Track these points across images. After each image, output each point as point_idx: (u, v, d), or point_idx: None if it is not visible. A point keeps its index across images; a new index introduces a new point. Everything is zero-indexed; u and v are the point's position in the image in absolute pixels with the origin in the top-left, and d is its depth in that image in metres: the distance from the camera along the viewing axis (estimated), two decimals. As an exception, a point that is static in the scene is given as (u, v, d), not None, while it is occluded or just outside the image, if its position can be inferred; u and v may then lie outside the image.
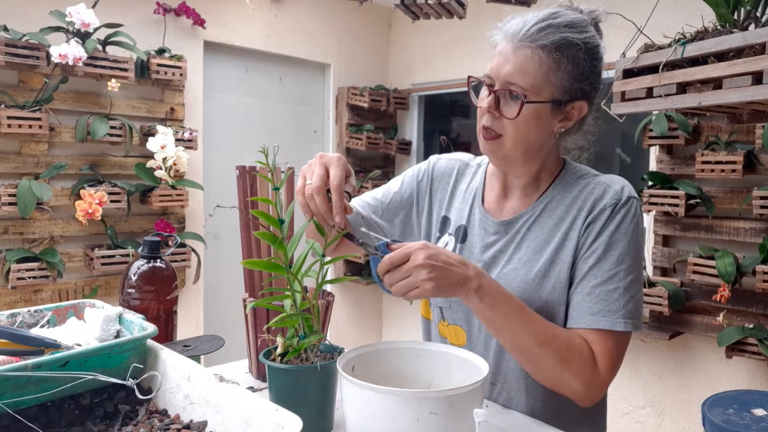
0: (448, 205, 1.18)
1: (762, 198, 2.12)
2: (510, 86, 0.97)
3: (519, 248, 1.06)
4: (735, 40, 1.55)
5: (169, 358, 0.79)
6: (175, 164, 2.66)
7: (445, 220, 1.18)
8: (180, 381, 0.76)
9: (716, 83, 1.62)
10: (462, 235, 1.14)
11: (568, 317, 1.01)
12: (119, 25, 2.56)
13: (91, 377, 0.70)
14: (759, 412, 1.81)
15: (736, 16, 1.64)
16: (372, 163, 3.77)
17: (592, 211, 1.01)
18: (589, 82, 1.01)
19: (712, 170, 2.25)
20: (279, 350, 0.91)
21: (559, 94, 0.99)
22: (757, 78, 1.51)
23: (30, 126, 2.35)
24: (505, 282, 1.04)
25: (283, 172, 1.06)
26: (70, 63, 2.33)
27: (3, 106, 2.32)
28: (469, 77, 1.05)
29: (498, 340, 1.05)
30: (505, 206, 1.11)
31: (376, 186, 3.52)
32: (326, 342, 0.96)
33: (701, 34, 1.66)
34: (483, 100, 1.01)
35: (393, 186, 1.24)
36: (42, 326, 0.88)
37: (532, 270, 1.03)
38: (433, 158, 1.25)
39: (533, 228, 1.06)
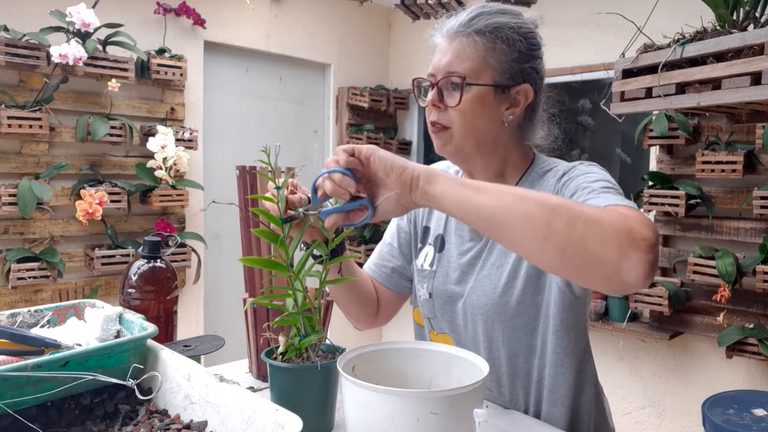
0: (428, 215, 1.20)
1: (762, 198, 2.12)
2: (450, 76, 0.99)
3: (491, 252, 1.06)
4: (734, 40, 1.55)
5: (169, 358, 0.79)
6: (175, 164, 2.66)
7: (426, 230, 1.20)
8: (180, 381, 0.76)
9: (715, 83, 1.62)
10: (440, 244, 1.15)
11: None
12: (119, 25, 2.56)
13: (91, 377, 0.70)
14: (759, 412, 1.81)
15: (735, 17, 1.64)
16: (372, 163, 3.77)
17: (550, 190, 1.00)
18: (530, 65, 1.02)
19: (713, 170, 2.25)
20: (281, 349, 0.91)
21: (499, 78, 0.99)
22: (755, 78, 1.51)
23: (30, 126, 2.35)
24: (480, 288, 1.05)
25: (283, 172, 1.06)
26: (71, 63, 2.33)
27: (3, 106, 2.32)
28: (414, 79, 1.07)
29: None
30: None
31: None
32: (327, 342, 0.96)
33: (700, 35, 1.66)
34: (428, 98, 1.03)
35: (393, 225, 1.26)
36: (42, 326, 0.88)
37: (503, 273, 1.03)
38: None
39: None
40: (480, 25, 0.99)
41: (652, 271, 0.71)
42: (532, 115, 1.06)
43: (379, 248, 1.27)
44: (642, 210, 2.46)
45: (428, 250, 1.17)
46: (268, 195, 0.92)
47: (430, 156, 3.88)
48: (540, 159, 1.10)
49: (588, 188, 0.90)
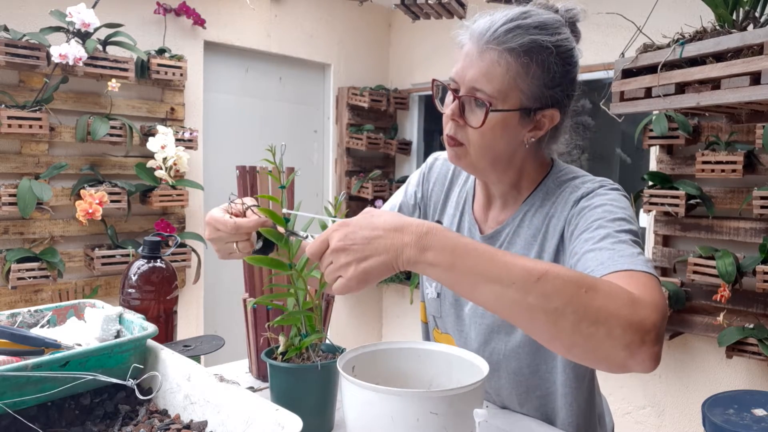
0: (442, 210, 1.16)
1: (762, 198, 2.12)
2: (475, 92, 0.91)
3: None
4: (733, 40, 1.55)
5: (169, 358, 0.79)
6: (175, 164, 2.66)
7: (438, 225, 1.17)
8: (180, 381, 0.76)
9: (715, 83, 1.62)
10: None
11: None
12: (119, 25, 2.56)
13: (91, 377, 0.70)
14: (759, 412, 1.81)
15: (734, 17, 1.64)
16: (372, 163, 3.78)
17: (562, 212, 0.96)
18: (561, 88, 0.94)
19: (713, 170, 2.25)
20: (281, 348, 0.91)
21: (527, 102, 0.92)
22: (755, 78, 1.51)
23: (30, 126, 2.34)
24: None
25: (283, 172, 1.06)
26: (71, 63, 2.33)
27: (3, 106, 2.32)
28: (434, 80, 1.00)
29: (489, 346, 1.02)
30: (489, 216, 1.08)
31: (376, 186, 3.55)
32: (327, 341, 0.96)
33: (700, 35, 1.66)
34: (447, 106, 0.96)
35: (398, 198, 1.22)
36: (42, 326, 0.88)
37: None
38: (431, 158, 1.22)
39: (513, 241, 1.01)
40: (515, 43, 0.89)
41: (659, 358, 0.69)
42: (555, 134, 1.01)
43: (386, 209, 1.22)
44: (642, 208, 2.46)
45: None
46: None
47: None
48: (558, 166, 1.04)
49: (603, 231, 0.85)
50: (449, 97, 0.96)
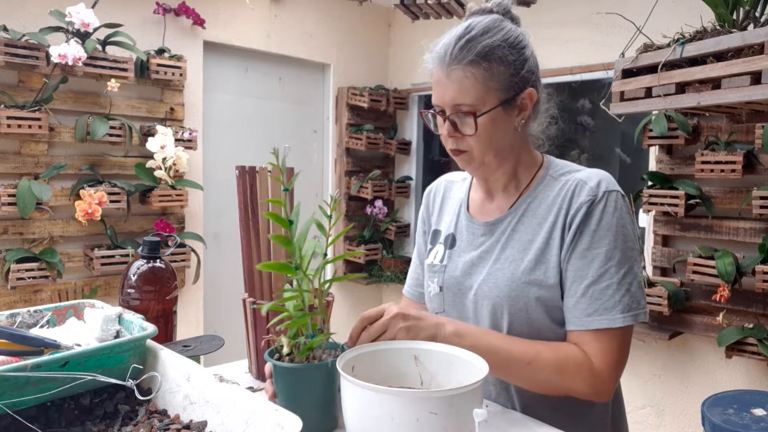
0: (438, 220, 1.24)
1: (761, 198, 2.12)
2: (459, 108, 1.02)
3: (505, 248, 1.08)
4: (734, 40, 1.55)
5: (168, 358, 0.79)
6: (174, 164, 2.66)
7: (436, 233, 1.23)
8: (180, 381, 0.76)
9: (715, 83, 1.62)
10: (450, 242, 1.17)
11: (566, 321, 1.03)
12: (119, 25, 2.56)
13: (90, 377, 0.70)
14: (758, 412, 1.81)
15: (735, 16, 1.64)
16: (372, 163, 3.78)
17: (569, 210, 1.02)
18: (525, 70, 1.04)
19: (712, 170, 2.25)
20: (285, 350, 0.91)
21: (504, 95, 1.02)
22: (755, 78, 1.51)
23: (30, 126, 2.34)
24: (492, 280, 1.06)
25: (284, 173, 1.06)
26: (70, 63, 2.33)
27: (3, 106, 2.32)
28: (421, 112, 1.12)
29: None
30: (489, 208, 1.14)
31: (376, 186, 3.55)
32: (329, 340, 0.96)
33: (700, 34, 1.66)
34: (441, 127, 1.07)
35: (418, 246, 1.31)
36: (42, 326, 0.88)
37: (518, 269, 1.04)
38: (426, 190, 1.32)
39: (518, 228, 1.08)
40: (471, 55, 1.00)
41: (612, 394, 1.02)
42: (535, 109, 1.10)
43: (412, 271, 1.31)
44: (641, 208, 2.46)
45: (439, 248, 1.20)
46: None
47: (429, 156, 3.89)
48: (551, 160, 1.13)
49: (604, 282, 0.99)
50: (439, 119, 1.07)
